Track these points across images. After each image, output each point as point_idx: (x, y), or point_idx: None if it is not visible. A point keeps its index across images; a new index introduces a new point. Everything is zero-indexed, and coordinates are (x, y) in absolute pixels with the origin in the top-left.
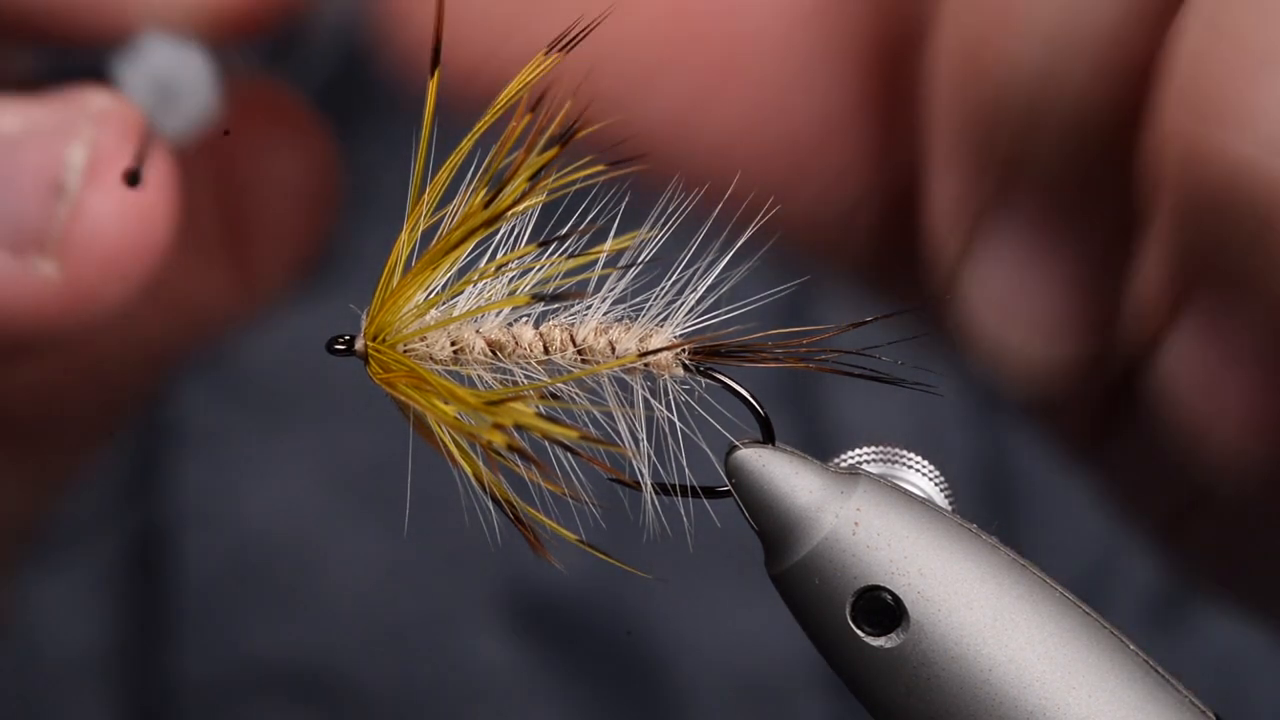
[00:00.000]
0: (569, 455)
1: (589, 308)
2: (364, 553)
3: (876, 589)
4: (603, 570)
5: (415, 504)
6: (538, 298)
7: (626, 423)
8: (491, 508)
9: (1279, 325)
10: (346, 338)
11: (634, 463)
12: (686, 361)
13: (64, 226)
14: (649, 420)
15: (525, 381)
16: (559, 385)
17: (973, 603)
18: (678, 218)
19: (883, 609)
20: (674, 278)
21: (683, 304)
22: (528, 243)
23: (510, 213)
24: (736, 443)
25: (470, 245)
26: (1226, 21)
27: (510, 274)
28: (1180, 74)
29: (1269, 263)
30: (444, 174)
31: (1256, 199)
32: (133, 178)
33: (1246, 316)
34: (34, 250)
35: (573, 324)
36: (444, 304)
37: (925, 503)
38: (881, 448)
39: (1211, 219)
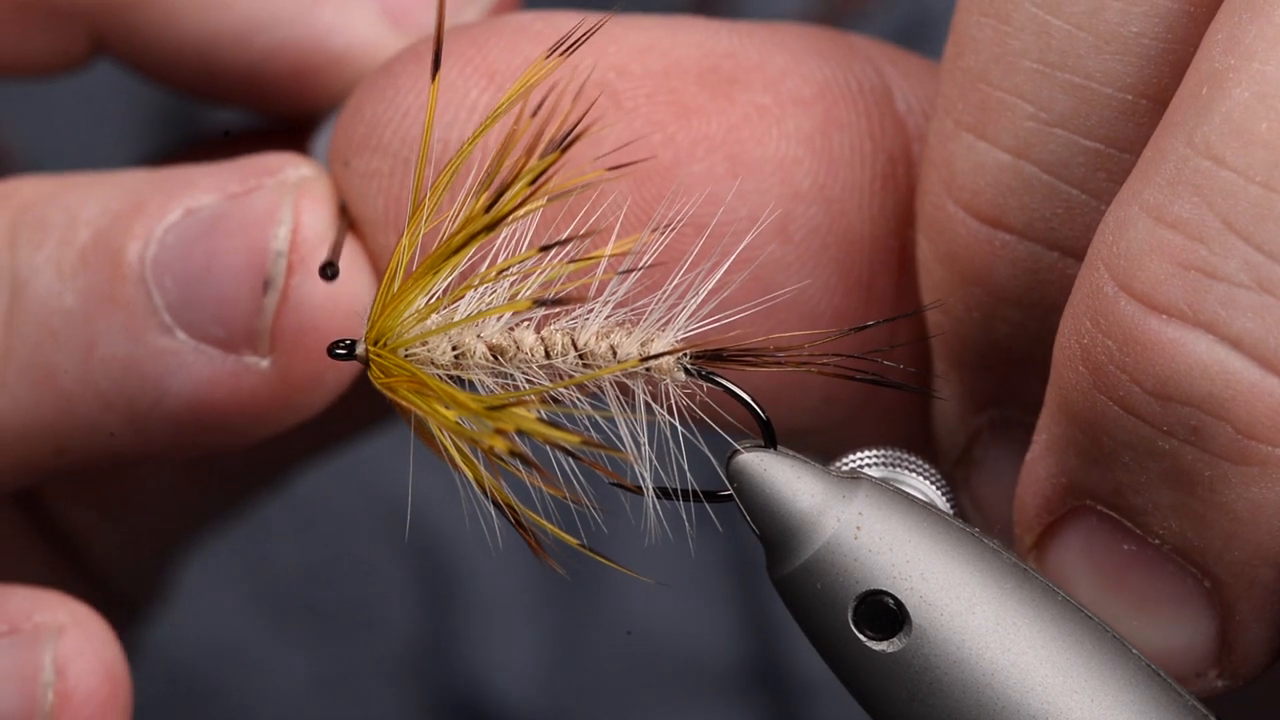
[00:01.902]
0: (571, 460)
1: (590, 312)
2: (294, 665)
3: (879, 593)
4: (548, 685)
5: (347, 613)
6: (539, 302)
7: (628, 427)
8: (493, 512)
9: None
10: (347, 342)
11: (635, 467)
12: (688, 365)
13: (274, 317)
14: (650, 424)
15: (526, 386)
16: (560, 390)
17: (975, 607)
18: (679, 224)
19: (885, 613)
20: (675, 282)
21: (684, 308)
22: (529, 247)
23: (511, 217)
24: (738, 447)
25: (471, 250)
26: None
27: (511, 278)
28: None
29: None
30: (444, 178)
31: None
32: (330, 271)
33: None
34: (246, 346)
35: (574, 328)
36: (445, 309)
37: (927, 507)
38: (884, 451)
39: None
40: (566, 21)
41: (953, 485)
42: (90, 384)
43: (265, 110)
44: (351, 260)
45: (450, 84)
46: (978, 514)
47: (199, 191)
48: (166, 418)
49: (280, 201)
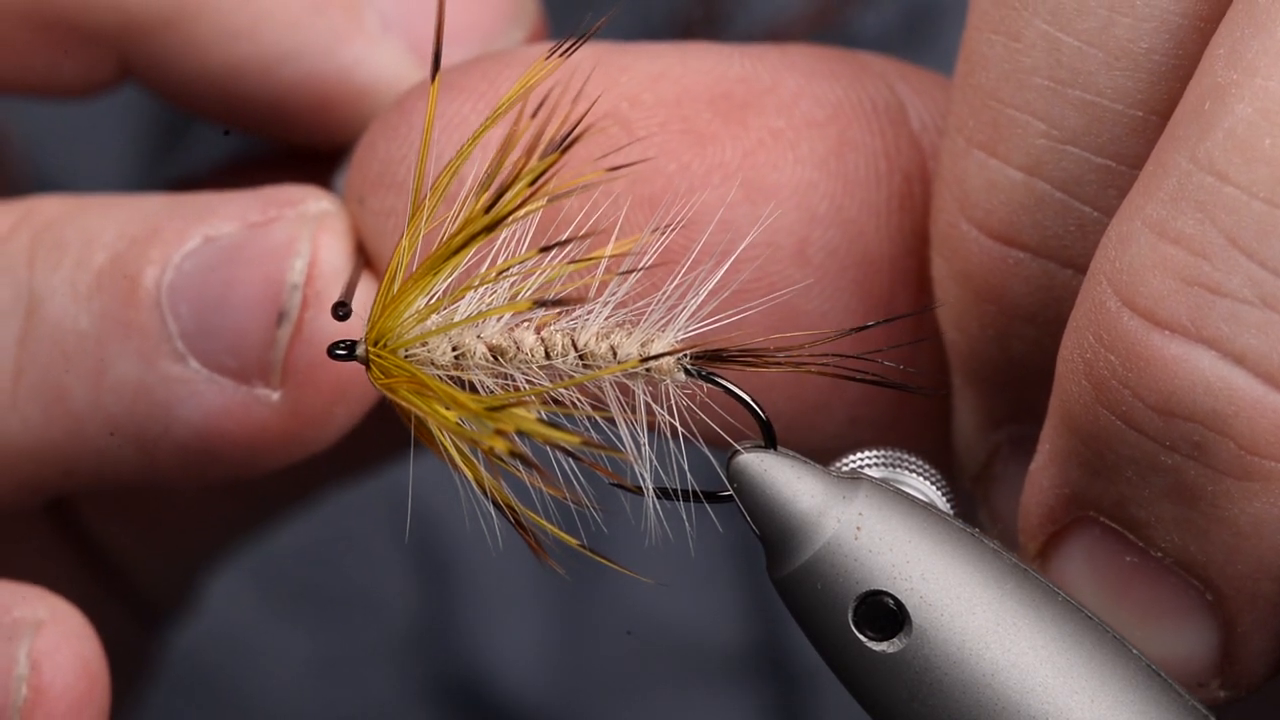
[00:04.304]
0: (571, 460)
1: (590, 313)
2: (294, 649)
3: (879, 594)
4: (550, 669)
5: (348, 597)
6: (539, 303)
7: (628, 427)
8: (493, 512)
9: None
10: (348, 343)
11: (636, 468)
12: (688, 366)
13: (287, 350)
14: (650, 425)
15: (527, 386)
16: (561, 390)
17: (975, 607)
18: (679, 226)
19: (885, 614)
20: (676, 282)
21: (684, 309)
22: (529, 248)
23: (511, 218)
24: (738, 447)
25: (471, 250)
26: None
27: (511, 279)
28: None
29: None
30: (445, 178)
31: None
32: (342, 311)
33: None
34: (258, 378)
35: (574, 329)
36: (445, 309)
37: (927, 507)
38: (884, 451)
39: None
40: (578, 52)
41: (973, 501)
42: (100, 408)
43: (289, 141)
44: (367, 298)
45: (463, 119)
46: (998, 529)
47: (218, 219)
48: (175, 445)
49: (299, 234)
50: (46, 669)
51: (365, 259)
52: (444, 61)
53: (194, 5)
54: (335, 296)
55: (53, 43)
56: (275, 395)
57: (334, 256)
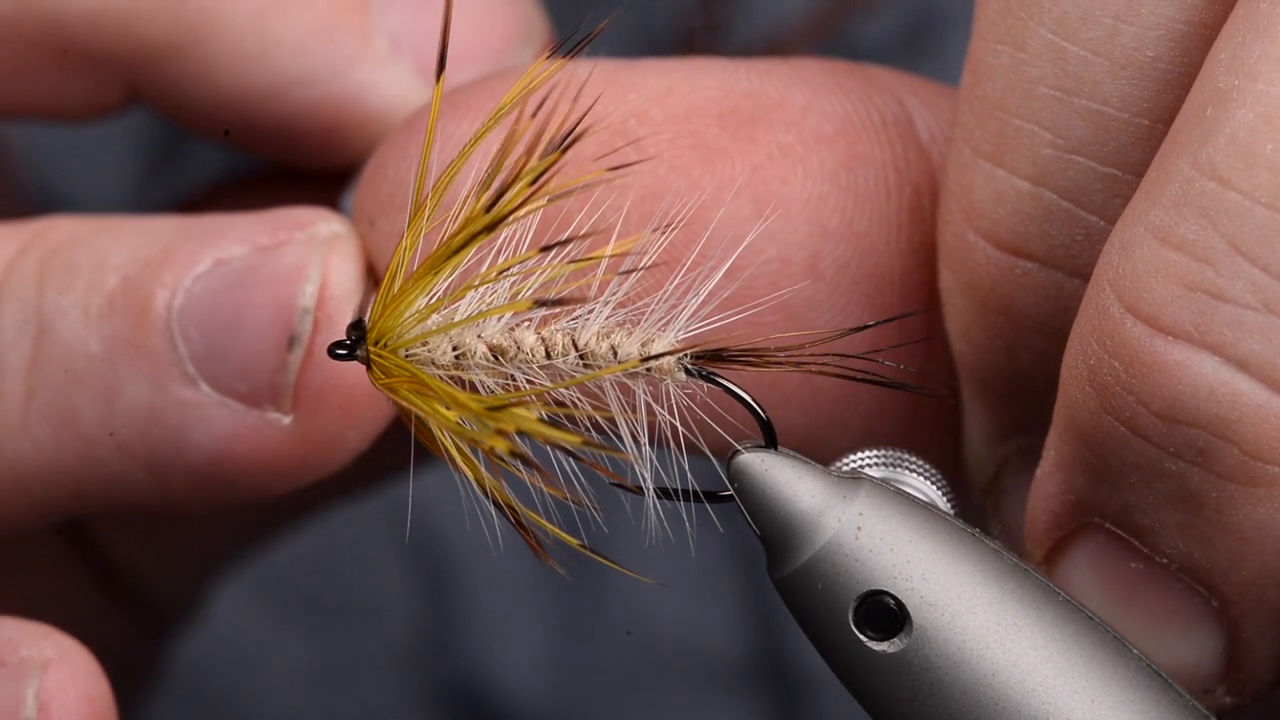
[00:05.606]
0: (571, 460)
1: (591, 312)
2: (294, 657)
3: (879, 594)
4: (550, 677)
5: (348, 605)
6: (539, 303)
7: (629, 427)
8: (493, 513)
9: None
10: (348, 342)
11: (636, 468)
12: (689, 366)
13: (298, 374)
14: (651, 424)
15: (527, 385)
16: (561, 390)
17: (976, 607)
18: (680, 225)
19: (886, 613)
20: (676, 282)
21: (685, 309)
22: (529, 247)
23: (512, 218)
24: (739, 447)
25: (472, 250)
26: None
27: (512, 278)
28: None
29: None
30: (446, 178)
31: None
32: (356, 332)
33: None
34: (269, 402)
35: (575, 329)
36: (446, 309)
37: (928, 507)
38: (884, 451)
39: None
40: (584, 69)
41: (984, 514)
42: (111, 430)
43: (298, 163)
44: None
45: (469, 137)
46: (1008, 541)
47: (229, 242)
48: (187, 469)
49: (309, 257)
50: (54, 710)
51: (376, 281)
52: (453, 82)
53: (204, 31)
54: (347, 319)
55: (61, 68)
56: (286, 419)
57: (345, 280)
